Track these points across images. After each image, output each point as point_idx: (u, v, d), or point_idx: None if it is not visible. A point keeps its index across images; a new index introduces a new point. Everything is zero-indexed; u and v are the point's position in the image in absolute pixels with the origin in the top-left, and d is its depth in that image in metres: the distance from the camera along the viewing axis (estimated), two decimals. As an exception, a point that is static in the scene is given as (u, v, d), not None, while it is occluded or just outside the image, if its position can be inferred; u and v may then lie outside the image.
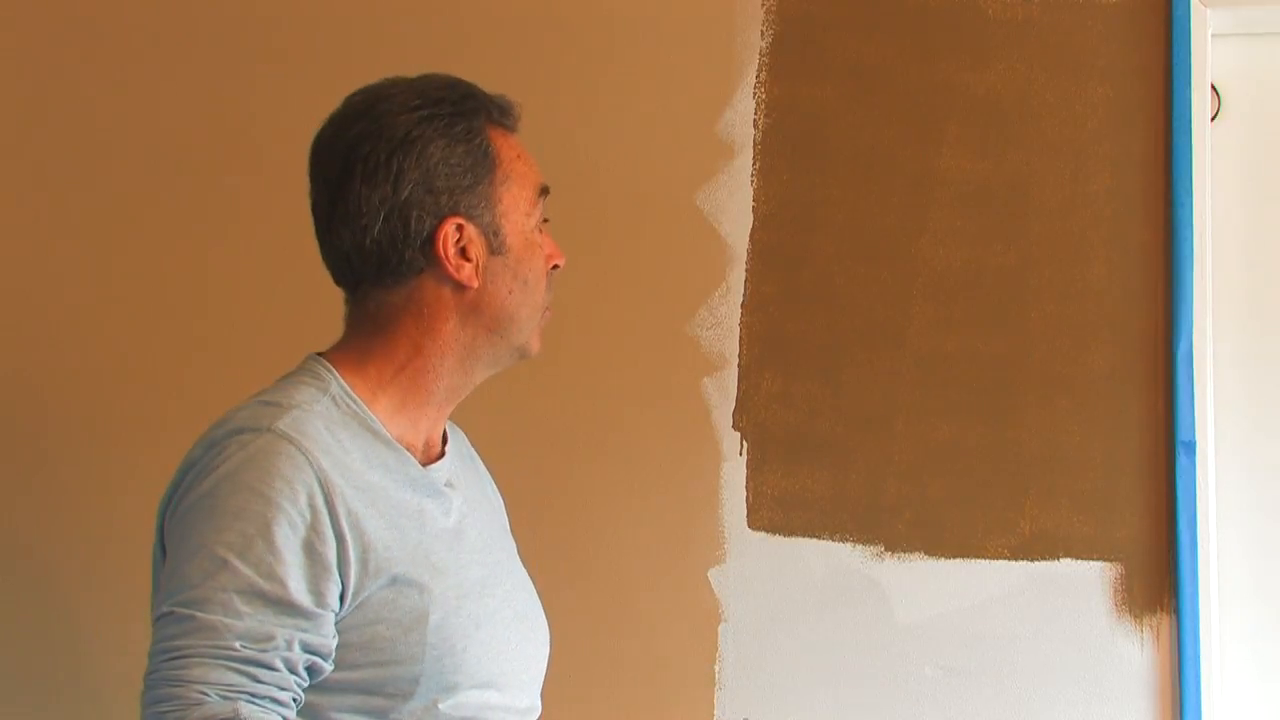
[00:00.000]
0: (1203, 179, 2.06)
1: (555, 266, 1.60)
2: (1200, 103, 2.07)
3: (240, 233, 2.25)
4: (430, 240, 1.52)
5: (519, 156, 1.59)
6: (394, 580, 1.46)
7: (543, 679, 1.65)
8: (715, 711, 2.09)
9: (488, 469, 1.75)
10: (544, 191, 1.60)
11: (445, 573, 1.50)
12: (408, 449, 1.55)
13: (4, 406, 2.23)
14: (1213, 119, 2.12)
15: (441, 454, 1.61)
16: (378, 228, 1.52)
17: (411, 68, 2.24)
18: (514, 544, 1.71)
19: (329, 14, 2.28)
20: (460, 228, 1.53)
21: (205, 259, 2.24)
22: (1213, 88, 2.13)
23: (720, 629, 2.10)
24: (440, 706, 1.48)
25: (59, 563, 2.19)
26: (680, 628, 2.10)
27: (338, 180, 1.54)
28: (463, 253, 1.53)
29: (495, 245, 1.55)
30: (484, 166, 1.55)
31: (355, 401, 1.53)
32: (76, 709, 2.17)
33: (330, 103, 2.32)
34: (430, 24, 2.26)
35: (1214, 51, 2.11)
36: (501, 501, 1.75)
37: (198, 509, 1.43)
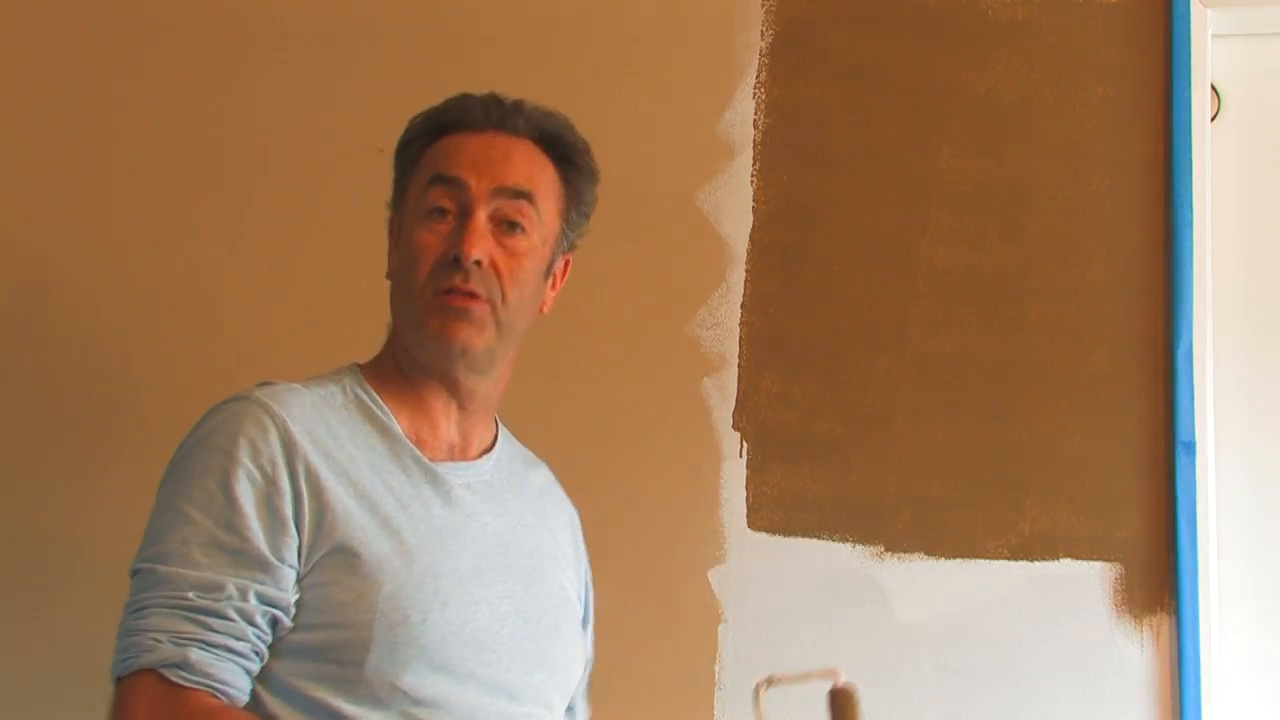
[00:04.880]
0: (1203, 179, 2.06)
1: (456, 258, 1.58)
2: (1200, 103, 2.07)
3: (246, 234, 2.24)
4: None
5: (445, 152, 1.64)
6: (349, 543, 1.49)
7: (555, 694, 1.63)
8: (715, 712, 2.08)
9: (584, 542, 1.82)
10: (436, 180, 1.61)
11: (417, 550, 1.52)
12: (421, 443, 1.61)
13: (8, 406, 2.23)
14: (1213, 119, 2.13)
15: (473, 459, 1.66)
16: None
17: (412, 68, 2.26)
18: (568, 593, 1.71)
19: (333, 14, 2.28)
20: (391, 222, 1.68)
21: (210, 259, 2.24)
22: (1213, 88, 2.13)
23: (720, 629, 2.10)
24: (399, 684, 1.47)
25: (66, 561, 2.19)
26: (680, 628, 2.10)
27: None
28: (393, 247, 1.68)
29: (399, 236, 1.65)
30: (408, 170, 1.67)
31: (367, 393, 1.61)
32: (78, 707, 2.16)
33: (336, 103, 2.34)
34: (430, 25, 2.26)
35: (1214, 51, 2.11)
36: (576, 565, 1.78)
37: (173, 471, 1.52)
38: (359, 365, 1.66)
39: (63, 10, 2.32)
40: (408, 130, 1.69)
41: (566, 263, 1.71)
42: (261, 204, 2.25)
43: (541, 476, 1.77)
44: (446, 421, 1.64)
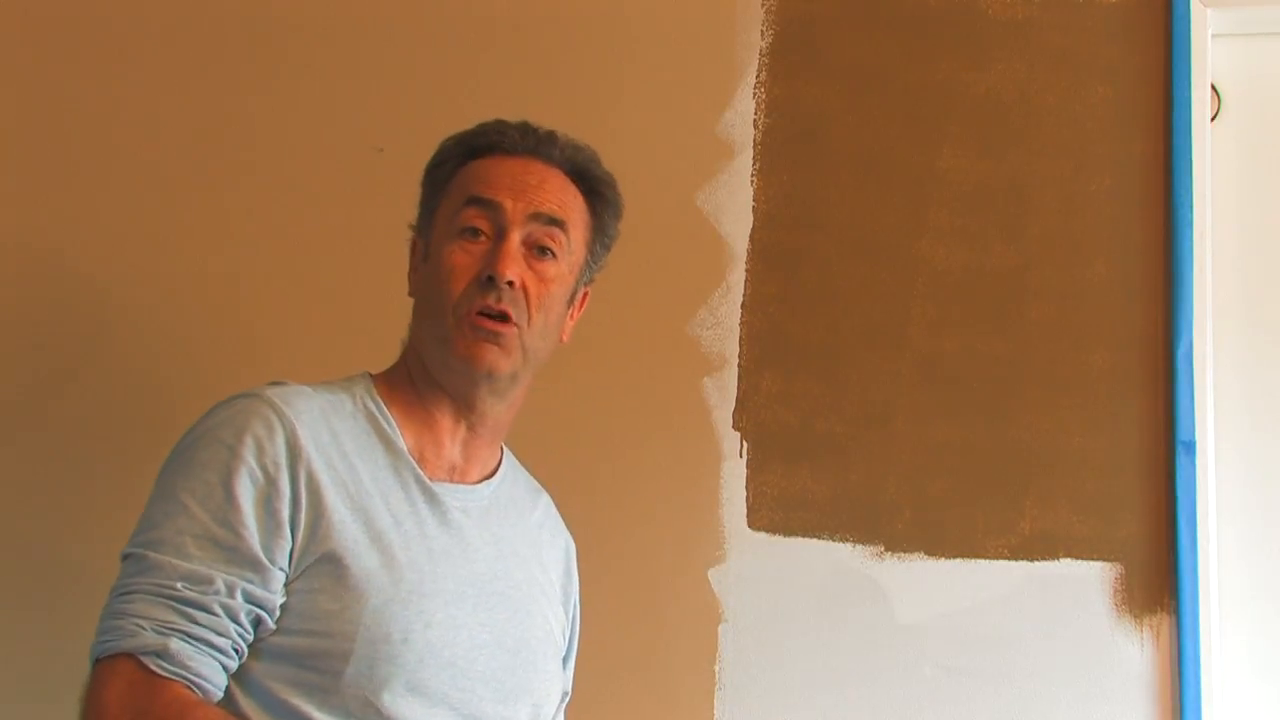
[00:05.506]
0: (1203, 179, 2.06)
1: (489, 278, 1.58)
2: (1200, 103, 2.07)
3: (246, 234, 2.24)
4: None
5: (477, 174, 1.64)
6: (340, 553, 1.49)
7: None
8: (715, 712, 2.08)
9: (578, 575, 1.82)
10: (471, 201, 1.62)
11: (406, 567, 1.53)
12: (423, 461, 1.61)
13: (12, 405, 2.23)
14: (1213, 119, 2.12)
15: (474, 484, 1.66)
16: None
17: (413, 68, 2.26)
18: (551, 628, 1.70)
19: (334, 14, 2.28)
20: (414, 243, 1.68)
21: (210, 259, 2.24)
22: (1213, 88, 2.13)
23: (720, 629, 2.10)
24: (377, 702, 1.47)
25: (72, 561, 2.19)
26: (680, 628, 2.10)
27: None
28: (416, 266, 1.68)
29: (425, 255, 1.65)
30: (438, 191, 1.67)
31: (376, 404, 1.61)
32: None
33: (337, 105, 2.34)
34: (431, 25, 2.26)
35: (1214, 51, 2.11)
36: (565, 600, 1.78)
37: (176, 459, 1.52)
38: (372, 375, 1.66)
39: (63, 10, 2.32)
40: (439, 152, 1.69)
41: (585, 294, 1.73)
42: (261, 204, 2.25)
43: (542, 507, 1.77)
44: (452, 442, 1.64)
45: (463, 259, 1.60)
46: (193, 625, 1.43)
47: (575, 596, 1.81)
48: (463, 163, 1.66)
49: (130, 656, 1.42)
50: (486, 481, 1.67)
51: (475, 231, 1.61)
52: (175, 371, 2.21)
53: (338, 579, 1.48)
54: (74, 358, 2.24)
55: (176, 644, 1.42)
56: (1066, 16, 2.13)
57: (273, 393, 1.54)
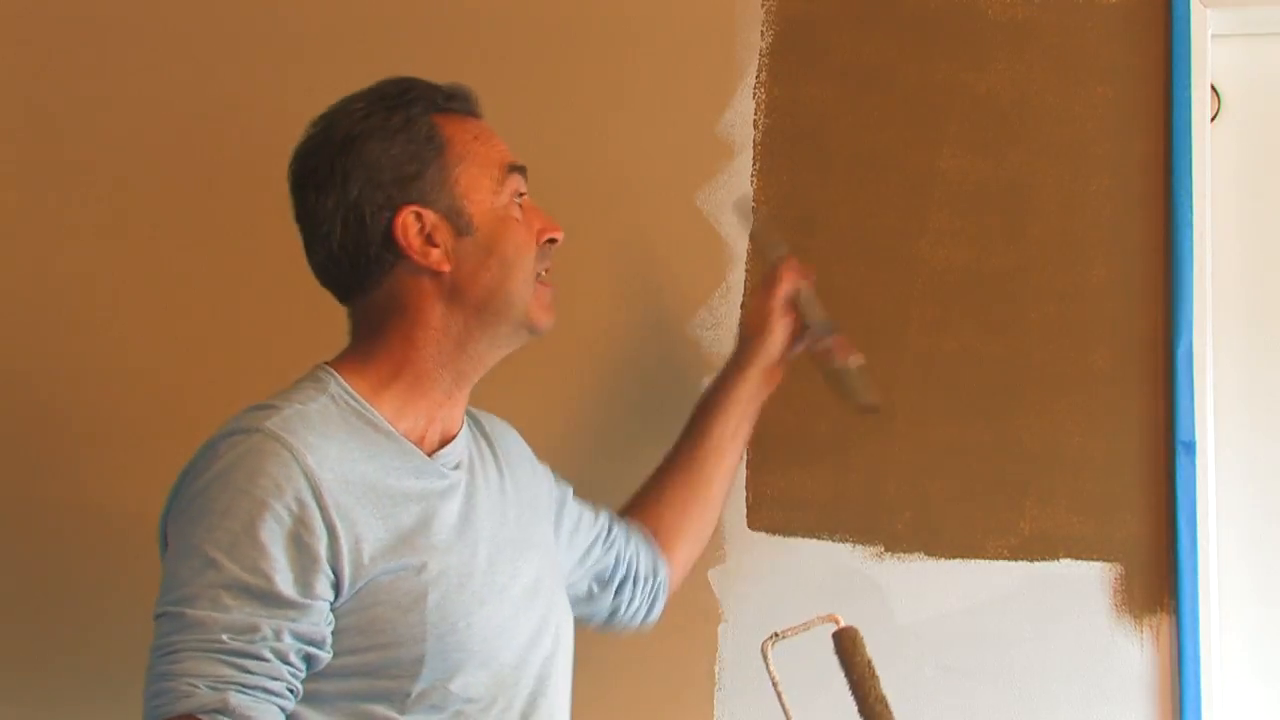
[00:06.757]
0: (1203, 179, 2.06)
1: (551, 240, 1.64)
2: (1200, 103, 2.07)
3: (248, 236, 2.25)
4: (389, 233, 1.57)
5: (476, 138, 1.63)
6: (390, 565, 1.48)
7: (564, 660, 1.66)
8: (715, 712, 2.09)
9: (532, 451, 1.81)
10: (514, 169, 1.64)
11: (449, 552, 1.53)
12: (419, 441, 1.59)
13: (10, 409, 2.23)
14: (1213, 119, 2.12)
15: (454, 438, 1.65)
16: (338, 232, 1.59)
17: (411, 68, 2.24)
18: (549, 545, 1.73)
19: (332, 14, 2.28)
20: (419, 215, 1.58)
21: (213, 262, 2.25)
22: (1213, 88, 2.13)
23: (720, 629, 2.10)
24: (450, 687, 1.50)
25: (76, 565, 2.19)
26: (680, 628, 2.09)
27: (298, 194, 1.63)
28: (429, 239, 1.58)
29: (461, 226, 1.59)
30: (430, 151, 1.59)
31: (355, 399, 1.57)
32: (84, 710, 2.17)
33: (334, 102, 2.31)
34: (431, 25, 2.26)
35: (1214, 51, 2.11)
36: (544, 481, 1.79)
37: (190, 510, 1.46)
38: (326, 364, 1.61)
39: (57, 9, 2.32)
40: (406, 103, 1.61)
41: None
42: (263, 203, 2.24)
43: (485, 420, 1.76)
44: (446, 409, 1.62)
45: (534, 222, 1.64)
46: (246, 675, 1.40)
47: (542, 466, 1.81)
48: (440, 125, 1.61)
49: (189, 718, 1.39)
50: (460, 433, 1.66)
51: (519, 196, 1.64)
52: (178, 372, 2.21)
53: (393, 588, 1.48)
54: (75, 357, 2.24)
55: (235, 698, 1.39)
56: (1066, 17, 2.13)
57: (271, 424, 1.48)
